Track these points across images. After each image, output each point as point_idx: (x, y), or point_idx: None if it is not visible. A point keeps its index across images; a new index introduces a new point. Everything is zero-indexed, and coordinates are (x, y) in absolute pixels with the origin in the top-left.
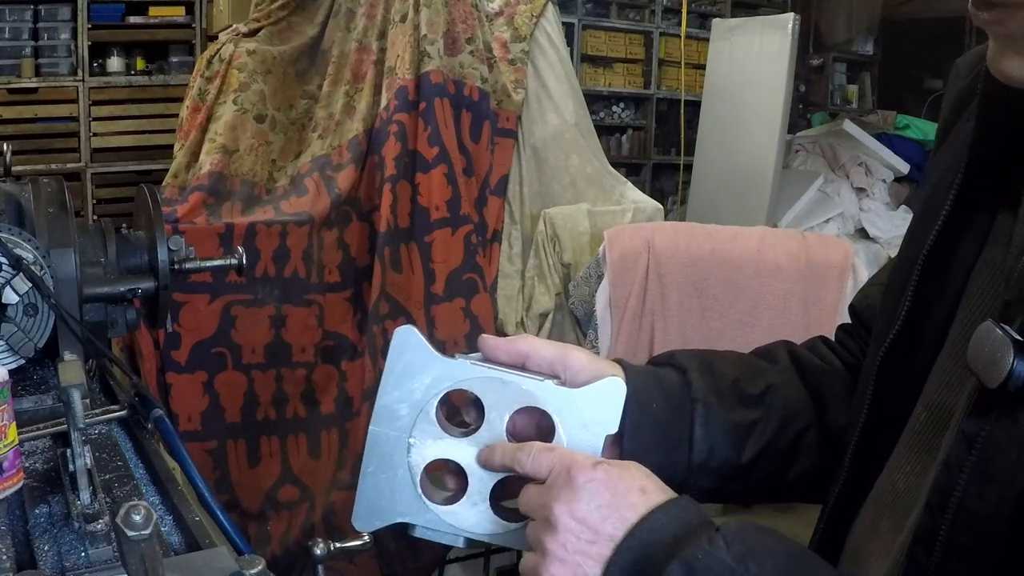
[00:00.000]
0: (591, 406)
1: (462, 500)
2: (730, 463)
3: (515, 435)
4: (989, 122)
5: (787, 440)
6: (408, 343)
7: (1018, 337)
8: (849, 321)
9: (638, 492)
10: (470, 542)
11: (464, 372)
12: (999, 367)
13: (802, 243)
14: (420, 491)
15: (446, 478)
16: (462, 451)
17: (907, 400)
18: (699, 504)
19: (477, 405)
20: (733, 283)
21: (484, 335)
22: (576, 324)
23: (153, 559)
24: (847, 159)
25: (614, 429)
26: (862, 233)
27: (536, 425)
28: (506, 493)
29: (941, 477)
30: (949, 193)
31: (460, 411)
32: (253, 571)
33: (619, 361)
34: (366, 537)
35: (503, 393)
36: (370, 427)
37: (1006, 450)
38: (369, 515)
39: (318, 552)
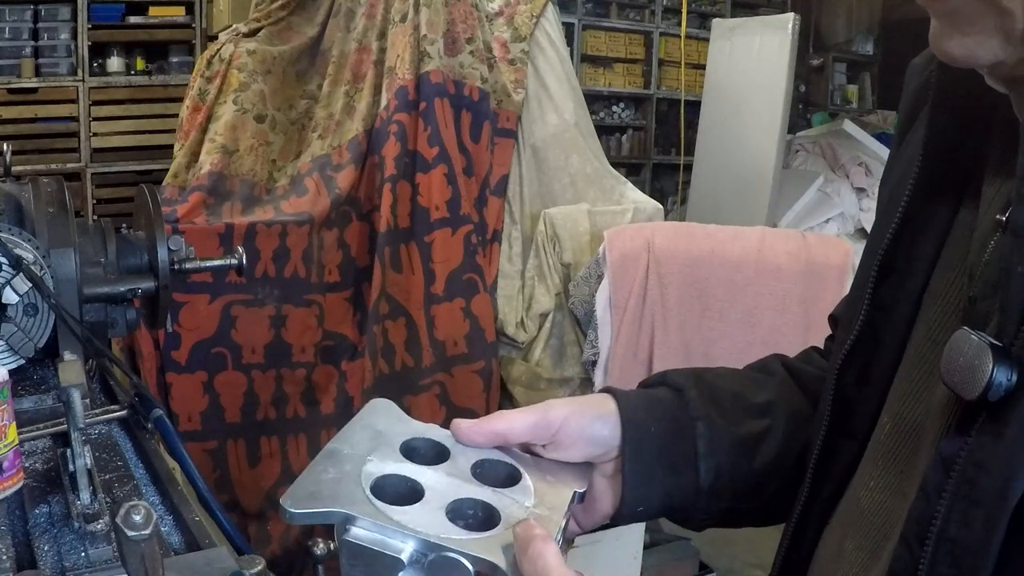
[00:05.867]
0: (557, 468)
1: (416, 504)
2: (740, 480)
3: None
4: (944, 114)
5: (797, 451)
6: (382, 406)
7: (995, 342)
8: (831, 330)
9: None
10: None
11: (432, 430)
12: (977, 376)
13: (802, 243)
14: (368, 491)
15: None
16: (423, 475)
17: (870, 410)
18: None
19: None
20: (733, 283)
21: (456, 420)
22: (576, 324)
23: (153, 559)
24: (847, 159)
25: (583, 488)
26: (862, 233)
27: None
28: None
29: (918, 505)
30: (904, 192)
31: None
32: (253, 571)
33: (609, 390)
34: None
35: (470, 447)
36: (328, 444)
37: (991, 469)
38: (304, 498)
39: (318, 552)
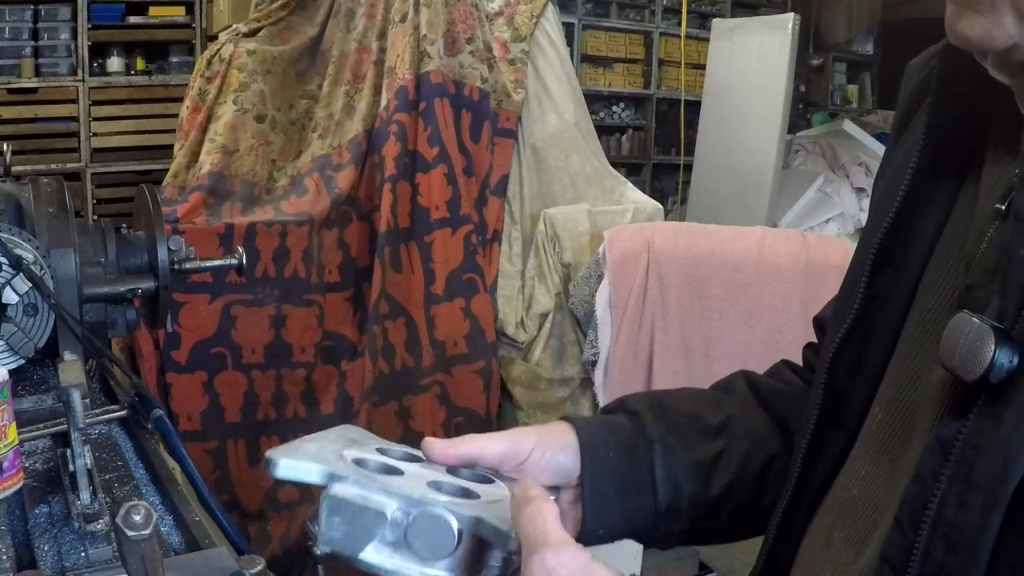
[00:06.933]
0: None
1: (398, 477)
2: (699, 501)
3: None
4: (945, 104)
5: (755, 470)
6: (351, 428)
7: (997, 324)
8: (815, 336)
9: None
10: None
11: (403, 447)
12: (979, 358)
13: (802, 243)
14: (351, 463)
15: None
16: (401, 464)
17: (861, 400)
18: None
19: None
20: (733, 283)
21: (428, 438)
22: (576, 324)
23: (153, 559)
24: (847, 159)
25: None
26: None
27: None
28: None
29: (912, 489)
30: (903, 182)
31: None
32: (253, 571)
33: (567, 418)
34: None
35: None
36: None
37: (989, 453)
38: (287, 451)
39: (318, 552)
